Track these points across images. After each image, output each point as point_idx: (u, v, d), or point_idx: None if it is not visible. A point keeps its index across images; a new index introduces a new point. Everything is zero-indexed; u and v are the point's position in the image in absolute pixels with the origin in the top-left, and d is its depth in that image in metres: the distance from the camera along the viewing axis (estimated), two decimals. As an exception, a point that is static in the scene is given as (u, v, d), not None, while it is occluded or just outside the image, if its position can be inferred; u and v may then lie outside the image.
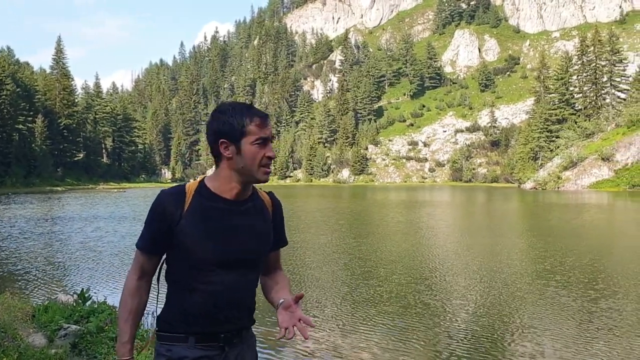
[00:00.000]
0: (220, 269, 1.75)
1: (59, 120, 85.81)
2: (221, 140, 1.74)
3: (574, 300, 8.38)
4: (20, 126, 74.01)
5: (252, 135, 1.74)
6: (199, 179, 1.83)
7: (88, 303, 6.51)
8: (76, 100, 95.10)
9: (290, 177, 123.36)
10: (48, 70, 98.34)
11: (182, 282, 1.76)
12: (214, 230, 1.74)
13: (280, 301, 1.86)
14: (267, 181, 1.84)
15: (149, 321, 6.02)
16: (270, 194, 1.97)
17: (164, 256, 1.83)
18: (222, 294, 1.75)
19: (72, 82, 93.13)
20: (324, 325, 7.11)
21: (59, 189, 67.05)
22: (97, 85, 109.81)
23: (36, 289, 9.50)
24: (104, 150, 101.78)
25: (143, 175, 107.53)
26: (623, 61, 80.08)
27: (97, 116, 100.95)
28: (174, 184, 2.00)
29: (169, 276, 1.79)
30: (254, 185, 1.86)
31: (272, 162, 1.85)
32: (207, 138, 1.81)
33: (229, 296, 1.77)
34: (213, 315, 1.75)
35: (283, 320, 1.80)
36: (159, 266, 1.83)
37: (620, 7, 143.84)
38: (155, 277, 1.85)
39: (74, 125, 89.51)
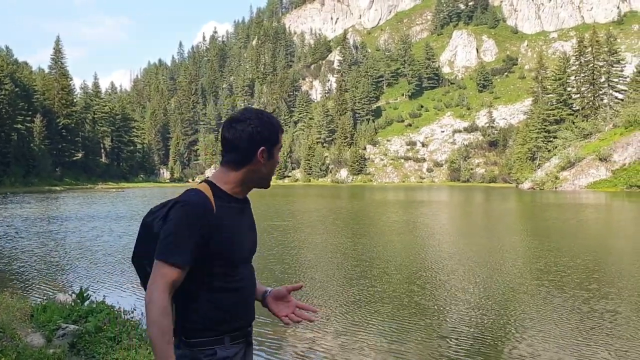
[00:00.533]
0: (240, 266, 1.82)
1: (58, 120, 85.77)
2: (263, 147, 1.80)
3: (566, 300, 8.45)
4: (19, 126, 73.97)
5: (280, 143, 1.88)
6: (203, 181, 1.84)
7: (86, 303, 6.56)
8: (75, 100, 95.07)
9: (289, 177, 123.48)
10: (47, 70, 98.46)
11: (212, 284, 1.75)
12: (234, 230, 1.79)
13: (267, 291, 1.93)
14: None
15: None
16: None
17: None
18: (245, 289, 1.82)
19: (71, 82, 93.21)
20: (317, 326, 7.16)
21: (57, 188, 66.93)
22: (96, 85, 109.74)
23: (34, 289, 9.54)
24: (102, 150, 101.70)
25: (142, 175, 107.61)
26: (621, 62, 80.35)
27: (95, 116, 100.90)
28: (183, 185, 2.05)
29: (194, 281, 1.74)
30: None
31: None
32: (235, 142, 1.80)
33: (249, 291, 1.85)
34: (242, 310, 1.81)
35: (280, 309, 1.87)
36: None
37: (618, 7, 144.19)
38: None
39: (73, 125, 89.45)
